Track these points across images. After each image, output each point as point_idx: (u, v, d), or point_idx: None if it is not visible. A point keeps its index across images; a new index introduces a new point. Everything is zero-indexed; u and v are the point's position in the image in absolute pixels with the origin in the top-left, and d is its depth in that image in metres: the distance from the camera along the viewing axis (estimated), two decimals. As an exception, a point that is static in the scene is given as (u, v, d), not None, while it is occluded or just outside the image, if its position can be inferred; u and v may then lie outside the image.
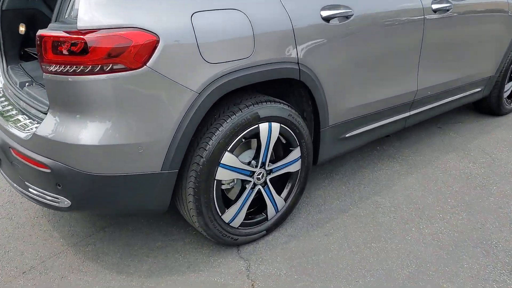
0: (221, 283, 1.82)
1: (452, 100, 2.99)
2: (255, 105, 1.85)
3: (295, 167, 2.09)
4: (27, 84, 2.09)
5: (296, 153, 2.06)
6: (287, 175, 2.12)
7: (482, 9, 2.92)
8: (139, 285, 1.82)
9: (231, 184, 1.96)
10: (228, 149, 1.80)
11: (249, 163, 1.94)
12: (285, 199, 2.12)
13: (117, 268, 1.93)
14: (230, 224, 1.94)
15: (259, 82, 1.85)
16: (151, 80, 1.55)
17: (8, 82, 2.19)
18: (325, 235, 2.11)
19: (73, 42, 1.43)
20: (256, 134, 1.89)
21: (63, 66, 1.46)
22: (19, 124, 1.80)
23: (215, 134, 1.76)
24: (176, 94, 1.62)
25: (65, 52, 1.44)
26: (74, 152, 1.55)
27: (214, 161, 1.77)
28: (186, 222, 2.19)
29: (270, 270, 1.89)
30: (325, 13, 1.98)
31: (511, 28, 3.21)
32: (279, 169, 2.04)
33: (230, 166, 1.83)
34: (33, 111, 1.83)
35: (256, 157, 1.96)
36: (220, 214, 1.88)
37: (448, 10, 2.57)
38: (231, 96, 1.87)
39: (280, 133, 1.96)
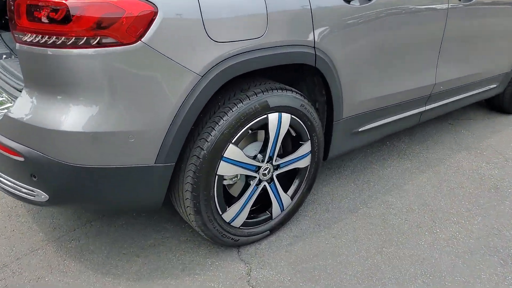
0: (219, 289, 1.64)
1: (467, 96, 2.81)
2: (264, 93, 1.64)
3: (304, 162, 1.90)
4: (4, 56, 1.84)
5: (306, 147, 1.86)
6: (295, 171, 1.93)
7: (506, 0, 2.73)
8: (127, 288, 1.64)
9: (233, 179, 1.77)
10: (233, 141, 1.60)
11: (254, 157, 1.74)
12: (292, 197, 1.94)
13: (103, 269, 1.73)
14: (231, 224, 1.75)
15: (267, 68, 1.64)
16: (146, 58, 1.34)
17: (-16, 54, 1.94)
18: (333, 237, 1.93)
19: (52, 7, 1.20)
20: (264, 125, 1.68)
21: (40, 36, 1.23)
22: (-8, 103, 1.58)
23: (219, 124, 1.55)
24: (175, 76, 1.40)
25: (43, 19, 1.21)
26: (53, 139, 1.33)
27: (216, 154, 1.57)
28: (182, 218, 2.00)
29: (273, 275, 1.71)
30: (345, -7, 1.76)
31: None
32: (287, 165, 1.84)
33: (234, 160, 1.63)
34: (9, 88, 1.60)
35: (262, 150, 1.76)
36: (221, 213, 1.69)
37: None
38: (238, 82, 1.66)
39: (290, 125, 1.76)
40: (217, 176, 1.61)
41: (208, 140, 1.55)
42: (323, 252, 1.84)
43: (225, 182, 1.73)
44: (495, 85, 3.04)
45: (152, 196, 1.55)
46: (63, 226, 1.98)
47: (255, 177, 1.75)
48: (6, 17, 2.22)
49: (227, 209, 1.71)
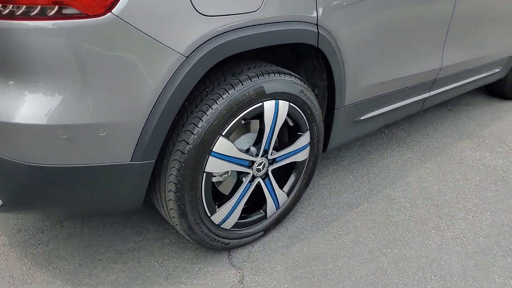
0: (208, 300, 1.46)
1: (471, 81, 2.65)
2: (260, 77, 1.42)
3: (303, 155, 1.70)
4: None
5: (305, 139, 1.66)
6: (292, 165, 1.73)
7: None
8: (103, 301, 1.43)
9: (224, 176, 1.56)
10: (223, 133, 1.38)
11: (247, 151, 1.53)
12: (288, 194, 1.74)
13: (75, 279, 1.52)
14: (221, 226, 1.55)
15: (260, 49, 1.41)
16: (118, 34, 1.10)
17: None
18: (333, 237, 1.76)
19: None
20: (259, 115, 1.47)
21: (-23, 2, 0.97)
22: None
23: (207, 114, 1.33)
24: (155, 56, 1.17)
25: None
26: (4, 133, 1.09)
27: (204, 149, 1.35)
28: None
29: (269, 283, 1.53)
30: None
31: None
32: (283, 159, 1.64)
33: (224, 155, 1.41)
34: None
35: (257, 143, 1.55)
36: (209, 215, 1.49)
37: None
38: (229, 64, 1.43)
39: (288, 114, 1.55)
40: (205, 174, 1.40)
41: (194, 132, 1.32)
42: (322, 255, 1.66)
43: (214, 179, 1.53)
44: (498, 70, 2.88)
45: (129, 198, 1.33)
46: (29, 228, 1.74)
47: (248, 173, 1.55)
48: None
49: (217, 210, 1.50)
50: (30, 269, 1.54)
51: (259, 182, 1.60)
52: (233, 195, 1.54)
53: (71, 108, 1.11)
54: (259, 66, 1.46)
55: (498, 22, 2.55)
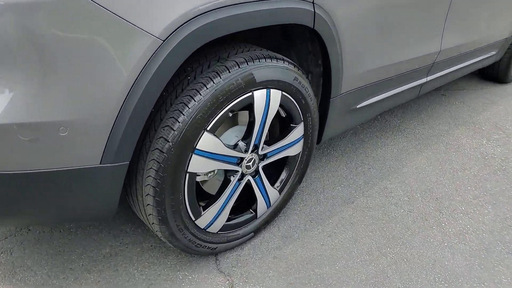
0: (194, 313, 1.32)
1: (468, 65, 2.53)
2: (249, 63, 1.24)
3: (296, 149, 1.55)
4: None
5: (298, 131, 1.51)
6: (284, 160, 1.58)
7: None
8: (75, 318, 1.28)
9: (209, 175, 1.39)
10: (208, 129, 1.21)
11: (235, 146, 1.37)
12: (280, 191, 1.60)
13: (43, 293, 1.35)
14: (207, 230, 1.39)
15: (247, 32, 1.24)
16: (80, 13, 0.91)
17: None
18: (329, 236, 1.63)
19: None
20: (248, 106, 1.30)
21: None
22: None
23: (189, 106, 1.16)
24: (125, 40, 0.98)
25: None
26: None
27: (186, 147, 1.18)
28: (144, 218, 1.62)
29: (261, 290, 1.40)
30: None
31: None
32: (275, 153, 1.48)
33: (210, 153, 1.25)
34: None
35: (246, 137, 1.39)
36: (194, 219, 1.33)
37: None
38: (214, 48, 1.25)
39: (280, 105, 1.39)
40: (188, 175, 1.23)
41: (174, 128, 1.15)
42: (318, 257, 1.53)
43: (198, 179, 1.36)
44: (494, 52, 2.77)
45: (101, 204, 1.16)
46: (-9, 234, 1.56)
47: (237, 171, 1.39)
48: None
49: (202, 213, 1.34)
50: (-10, 283, 1.36)
51: (248, 180, 1.44)
52: (220, 195, 1.38)
53: (24, 104, 0.92)
54: (248, 50, 1.29)
55: (495, 4, 2.43)
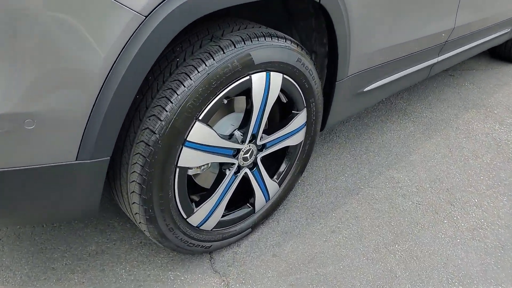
0: (187, 318, 1.21)
1: (481, 43, 2.36)
2: (246, 42, 1.09)
3: (298, 138, 1.41)
4: None
5: (301, 118, 1.36)
6: (284, 150, 1.44)
7: None
8: (56, 324, 1.17)
9: (202, 168, 1.26)
10: (200, 118, 1.07)
11: (231, 136, 1.23)
12: (280, 183, 1.47)
13: (21, 297, 1.24)
14: (200, 228, 1.27)
15: (243, 6, 1.08)
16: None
17: None
18: (332, 232, 1.52)
19: None
20: (246, 91, 1.15)
21: None
22: None
23: (178, 93, 1.01)
24: (101, 16, 0.83)
25: None
26: None
27: (176, 138, 1.04)
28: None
29: (259, 292, 1.29)
30: None
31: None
32: (275, 143, 1.35)
33: (202, 145, 1.11)
34: None
35: (242, 125, 1.24)
36: (186, 217, 1.20)
37: None
38: (207, 25, 1.10)
39: (281, 89, 1.24)
40: (178, 169, 1.09)
41: (161, 117, 1.01)
42: (321, 255, 1.42)
43: (190, 172, 1.23)
44: (508, 30, 2.60)
45: (81, 203, 1.03)
46: (-35, 230, 1.43)
47: (233, 163, 1.25)
48: None
49: (195, 210, 1.22)
50: (-38, 287, 1.25)
51: (246, 173, 1.31)
52: (214, 190, 1.25)
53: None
54: (245, 28, 1.13)
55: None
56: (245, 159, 1.27)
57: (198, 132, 1.08)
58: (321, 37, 1.39)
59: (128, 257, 1.38)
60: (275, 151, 1.38)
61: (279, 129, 1.33)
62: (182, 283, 1.30)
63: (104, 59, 0.86)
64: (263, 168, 1.36)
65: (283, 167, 1.46)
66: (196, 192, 1.35)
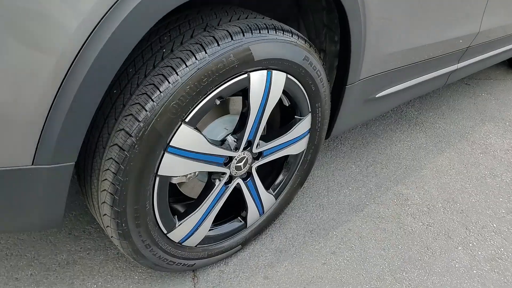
0: None
1: (504, 51, 2.19)
2: (246, 34, 0.93)
3: (299, 147, 1.25)
4: None
5: (304, 124, 1.20)
6: (283, 159, 1.28)
7: None
8: None
9: (188, 176, 1.10)
10: (187, 120, 0.91)
11: (223, 142, 1.07)
12: (276, 196, 1.31)
13: (-27, 312, 1.09)
14: (182, 244, 1.11)
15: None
16: None
17: None
18: (332, 253, 1.36)
19: None
20: (242, 91, 0.99)
21: None
22: None
23: (160, 90, 0.85)
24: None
25: None
26: None
27: (156, 143, 0.88)
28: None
29: (247, 319, 1.14)
30: None
31: None
32: (273, 152, 1.19)
33: (188, 152, 0.95)
34: None
35: (237, 130, 1.08)
36: (166, 232, 1.04)
37: None
38: (200, 11, 0.94)
39: (284, 91, 1.08)
40: (158, 179, 0.94)
41: (140, 118, 0.85)
42: (318, 280, 1.26)
43: (174, 180, 1.07)
44: (532, 39, 2.42)
45: (40, 213, 0.87)
46: None
47: (224, 173, 1.10)
48: None
49: (177, 224, 1.06)
50: None
51: (238, 183, 1.16)
52: (201, 202, 1.09)
53: None
54: (246, 18, 0.97)
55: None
56: (238, 168, 1.11)
57: (184, 136, 0.92)
58: (332, 34, 1.23)
59: (102, 270, 1.22)
60: (273, 160, 1.22)
61: (279, 136, 1.17)
62: (159, 304, 1.15)
63: (64, 47, 0.70)
64: (258, 179, 1.20)
65: (281, 178, 1.30)
66: (180, 201, 1.20)
